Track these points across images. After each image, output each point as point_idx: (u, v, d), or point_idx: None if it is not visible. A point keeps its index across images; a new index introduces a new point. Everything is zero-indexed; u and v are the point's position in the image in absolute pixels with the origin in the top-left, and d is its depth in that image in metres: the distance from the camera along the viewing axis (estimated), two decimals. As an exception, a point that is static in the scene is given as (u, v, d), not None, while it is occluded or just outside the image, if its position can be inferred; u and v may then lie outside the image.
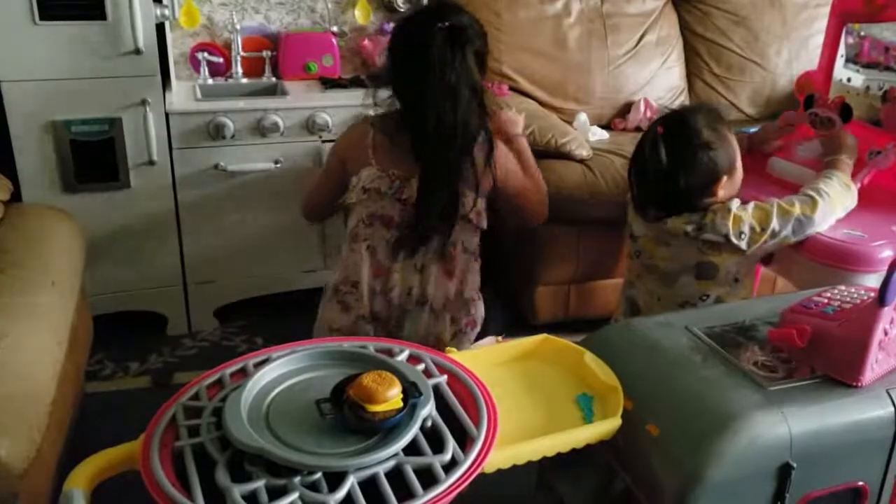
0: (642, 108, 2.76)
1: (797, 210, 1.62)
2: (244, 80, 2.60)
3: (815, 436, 1.12)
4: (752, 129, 2.16)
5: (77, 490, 0.97)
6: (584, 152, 2.33)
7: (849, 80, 2.12)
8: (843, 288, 1.31)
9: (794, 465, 1.10)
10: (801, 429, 1.11)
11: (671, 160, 1.63)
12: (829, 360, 1.19)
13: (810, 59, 2.85)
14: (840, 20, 2.01)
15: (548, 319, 2.46)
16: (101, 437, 1.16)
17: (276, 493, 0.94)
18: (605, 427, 1.14)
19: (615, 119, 2.81)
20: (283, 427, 1.02)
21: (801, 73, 2.91)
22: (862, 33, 2.20)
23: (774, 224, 1.62)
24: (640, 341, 1.30)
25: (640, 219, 1.77)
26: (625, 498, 1.23)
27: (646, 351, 1.28)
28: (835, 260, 1.63)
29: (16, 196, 2.02)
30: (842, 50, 2.11)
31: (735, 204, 1.64)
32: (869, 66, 2.41)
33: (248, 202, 2.39)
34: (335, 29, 2.71)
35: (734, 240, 1.62)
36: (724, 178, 1.66)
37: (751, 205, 1.66)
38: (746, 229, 1.62)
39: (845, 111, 1.87)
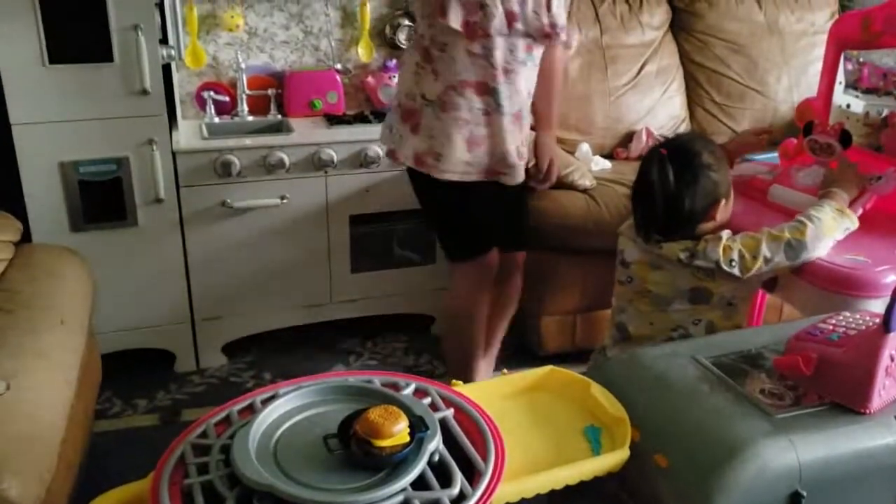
0: (644, 137, 2.78)
1: (787, 235, 1.65)
2: (250, 118, 2.63)
3: (824, 464, 1.11)
4: (758, 157, 2.17)
5: (87, 531, 0.97)
6: (587, 182, 2.34)
7: (848, 106, 2.13)
8: (847, 314, 1.31)
9: (804, 493, 1.09)
10: (810, 457, 1.10)
11: (677, 181, 1.67)
12: (836, 387, 1.19)
13: (810, 85, 2.87)
14: (838, 47, 2.02)
15: (555, 350, 2.46)
16: (110, 476, 1.16)
17: (285, 529, 0.94)
18: (613, 459, 1.13)
19: (617, 148, 2.83)
20: (292, 463, 1.03)
21: (801, 99, 2.93)
22: (861, 59, 2.22)
23: (765, 251, 1.64)
24: (647, 372, 1.30)
25: (632, 244, 1.80)
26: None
27: (652, 381, 1.28)
28: (838, 286, 1.63)
29: (25, 236, 2.04)
30: (841, 76, 2.12)
31: (726, 234, 1.68)
32: (868, 91, 2.42)
33: (255, 238, 2.40)
34: (339, 66, 2.75)
35: (725, 267, 1.65)
36: (723, 200, 1.70)
37: (741, 234, 1.69)
38: (736, 257, 1.65)
39: (844, 137, 1.88)
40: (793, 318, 2.32)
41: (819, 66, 2.11)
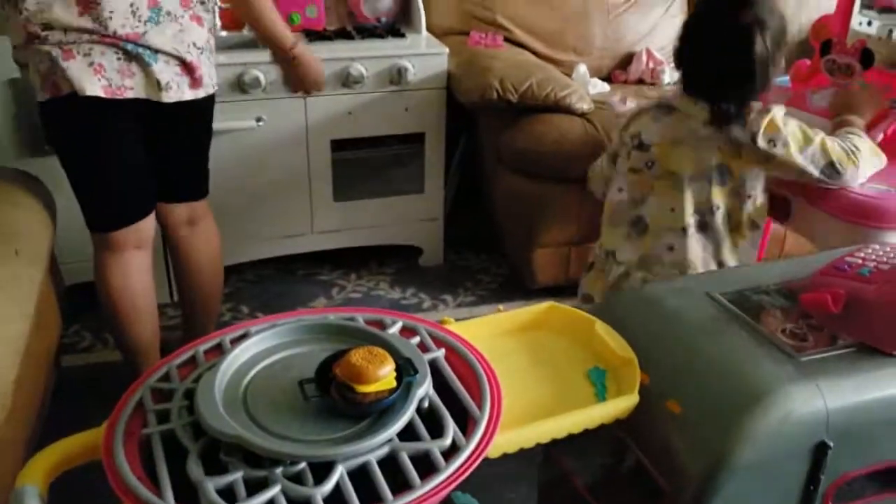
0: (644, 59, 2.63)
1: (835, 156, 1.56)
2: (224, 34, 2.44)
3: (853, 411, 1.01)
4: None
5: (30, 487, 0.85)
6: (584, 105, 2.20)
7: (869, 23, 2.00)
8: (877, 247, 1.21)
9: (831, 443, 1.00)
10: (839, 404, 1.00)
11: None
12: (866, 326, 1.08)
13: (818, 5, 2.73)
14: (860, -44, 1.88)
15: (547, 283, 2.36)
16: (79, 416, 1.07)
17: (256, 486, 0.83)
18: (620, 405, 1.03)
19: (616, 71, 2.69)
20: (263, 411, 0.91)
21: (814, 19, 2.78)
22: (879, -23, 2.08)
23: (812, 152, 1.55)
24: (656, 308, 1.19)
25: (652, 123, 1.67)
26: (636, 473, 1.13)
27: (663, 319, 1.17)
28: (859, 216, 1.53)
29: (-22, 160, 1.89)
30: (857, -6, 1.99)
31: (780, 112, 1.55)
32: (885, 10, 2.28)
33: (230, 164, 2.26)
34: (319, -23, 2.55)
35: (761, 143, 1.54)
36: None
37: (795, 122, 1.58)
38: (779, 141, 1.55)
39: (866, 57, 1.75)
40: (796, 250, 2.22)
41: (830, -17, 1.97)
